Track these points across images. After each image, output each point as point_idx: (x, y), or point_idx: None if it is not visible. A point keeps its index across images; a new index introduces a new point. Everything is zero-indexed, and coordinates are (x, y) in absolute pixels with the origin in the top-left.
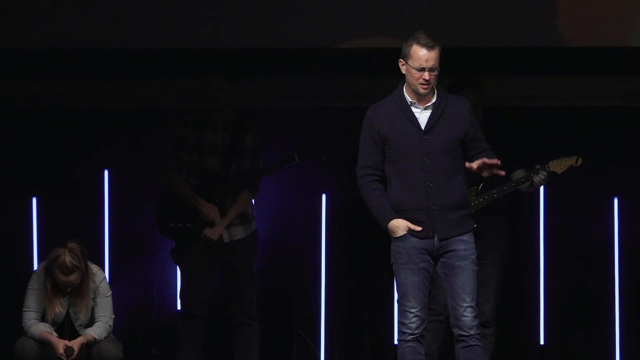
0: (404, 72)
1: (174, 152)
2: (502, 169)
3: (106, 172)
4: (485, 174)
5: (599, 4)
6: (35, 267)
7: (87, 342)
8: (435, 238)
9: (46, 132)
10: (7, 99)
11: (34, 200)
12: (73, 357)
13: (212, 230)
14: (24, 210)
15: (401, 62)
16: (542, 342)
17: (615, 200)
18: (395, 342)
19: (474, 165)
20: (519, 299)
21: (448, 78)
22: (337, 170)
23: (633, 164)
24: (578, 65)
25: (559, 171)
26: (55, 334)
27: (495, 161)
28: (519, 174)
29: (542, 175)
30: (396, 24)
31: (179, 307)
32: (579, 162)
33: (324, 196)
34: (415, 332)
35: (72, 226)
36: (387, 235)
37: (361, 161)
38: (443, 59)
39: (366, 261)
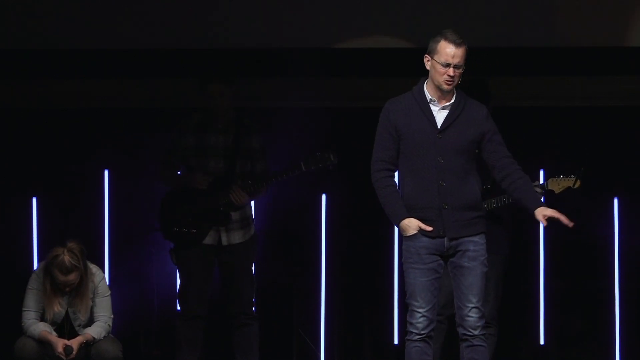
0: (428, 67)
1: (166, 159)
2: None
3: (106, 172)
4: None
5: (598, 4)
6: (35, 267)
7: (86, 341)
8: (445, 238)
9: (46, 132)
10: (7, 99)
11: (34, 200)
12: (72, 356)
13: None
14: (24, 210)
15: (426, 57)
16: (542, 342)
17: (615, 200)
18: (396, 342)
19: (543, 219)
20: (519, 299)
21: None
22: (337, 170)
23: (633, 164)
24: (578, 65)
25: (556, 190)
26: (54, 333)
27: (566, 221)
28: None
29: (538, 191)
30: (396, 24)
31: (178, 308)
32: (577, 184)
33: (324, 196)
34: (422, 332)
35: (72, 226)
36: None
37: (376, 154)
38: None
39: (366, 261)
